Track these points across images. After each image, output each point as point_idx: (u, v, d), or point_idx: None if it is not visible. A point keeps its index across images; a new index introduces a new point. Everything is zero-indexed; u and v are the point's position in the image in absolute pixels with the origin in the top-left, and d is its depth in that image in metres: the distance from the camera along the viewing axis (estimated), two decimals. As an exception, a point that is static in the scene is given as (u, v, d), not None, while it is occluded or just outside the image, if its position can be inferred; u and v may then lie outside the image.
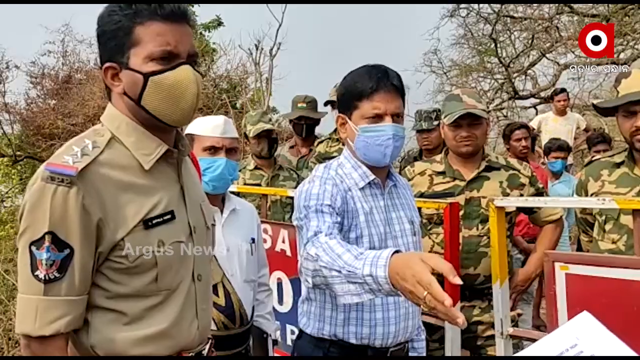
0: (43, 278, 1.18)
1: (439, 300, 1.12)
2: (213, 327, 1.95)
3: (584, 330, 0.98)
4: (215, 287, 2.00)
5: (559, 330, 1.07)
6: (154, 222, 1.28)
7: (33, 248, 1.18)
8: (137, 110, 1.31)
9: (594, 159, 2.46)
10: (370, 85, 1.70)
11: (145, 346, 1.28)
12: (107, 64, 1.30)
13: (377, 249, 1.65)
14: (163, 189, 1.33)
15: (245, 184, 3.52)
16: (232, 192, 2.80)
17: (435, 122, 3.61)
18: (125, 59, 1.28)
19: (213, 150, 2.07)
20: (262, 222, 2.85)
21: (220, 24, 12.80)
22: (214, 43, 12.62)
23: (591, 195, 2.25)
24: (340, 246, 1.43)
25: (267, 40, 11.74)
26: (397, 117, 1.73)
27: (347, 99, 1.75)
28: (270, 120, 3.90)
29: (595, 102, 2.43)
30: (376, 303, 1.70)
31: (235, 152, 2.15)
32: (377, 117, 1.70)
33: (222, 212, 2.13)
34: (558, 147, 4.82)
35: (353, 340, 1.71)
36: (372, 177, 1.76)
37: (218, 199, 2.13)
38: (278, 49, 11.97)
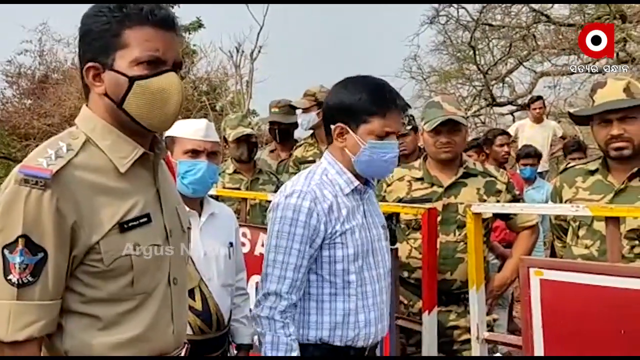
0: (16, 282, 1.16)
1: None
2: (189, 331, 1.94)
3: None
4: (192, 291, 1.98)
5: None
6: (129, 225, 1.27)
7: (6, 252, 1.16)
8: (116, 112, 1.29)
9: (568, 166, 2.50)
10: (386, 104, 1.75)
11: (120, 351, 1.26)
12: (90, 64, 1.28)
13: (360, 254, 1.74)
14: (139, 192, 1.32)
15: (224, 187, 3.50)
16: (211, 196, 2.81)
17: (408, 127, 3.64)
18: (110, 61, 1.27)
19: (194, 153, 2.06)
20: (241, 225, 2.85)
21: (200, 25, 12.76)
22: (194, 45, 12.56)
23: (565, 201, 2.29)
24: (287, 342, 1.66)
25: (247, 43, 11.72)
26: (397, 134, 1.81)
27: (353, 111, 1.75)
28: (249, 124, 3.89)
29: (571, 110, 2.46)
30: (359, 306, 1.74)
31: (216, 156, 2.14)
32: (384, 135, 1.75)
33: (200, 215, 2.11)
34: (526, 154, 4.88)
35: (337, 343, 1.74)
36: (357, 183, 1.78)
37: (196, 203, 2.12)
38: (259, 52, 11.96)
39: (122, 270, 1.25)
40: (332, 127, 1.79)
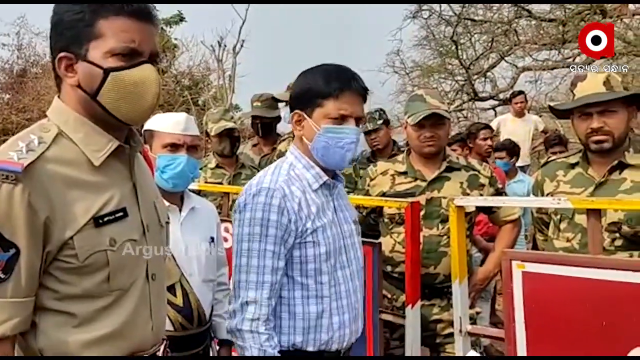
0: None
1: None
2: (170, 327, 1.92)
3: None
4: (172, 286, 1.96)
5: None
6: (105, 219, 1.23)
7: None
8: (90, 104, 1.26)
9: (550, 159, 2.51)
10: (339, 85, 1.65)
11: (96, 348, 1.23)
12: (62, 54, 1.24)
13: (332, 252, 1.65)
14: (114, 186, 1.28)
15: (206, 182, 3.47)
16: (193, 191, 2.77)
17: (380, 122, 3.64)
18: (84, 51, 1.23)
19: (174, 147, 2.03)
20: (224, 220, 2.82)
21: (182, 19, 12.64)
22: (175, 39, 12.46)
23: (547, 194, 2.30)
24: (274, 354, 1.56)
25: (230, 37, 11.66)
26: (359, 120, 1.70)
27: (309, 96, 1.67)
28: (232, 118, 3.86)
29: (552, 104, 2.47)
30: (332, 307, 1.65)
31: (197, 149, 2.11)
32: (341, 119, 1.65)
33: (180, 210, 2.08)
34: (496, 148, 4.91)
35: (310, 348, 1.64)
36: (325, 177, 1.69)
37: (177, 197, 2.09)
38: (241, 46, 11.91)
39: (97, 266, 1.22)
40: (290, 115, 1.71)
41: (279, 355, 1.58)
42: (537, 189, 2.39)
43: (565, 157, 2.39)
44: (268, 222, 1.58)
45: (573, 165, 2.28)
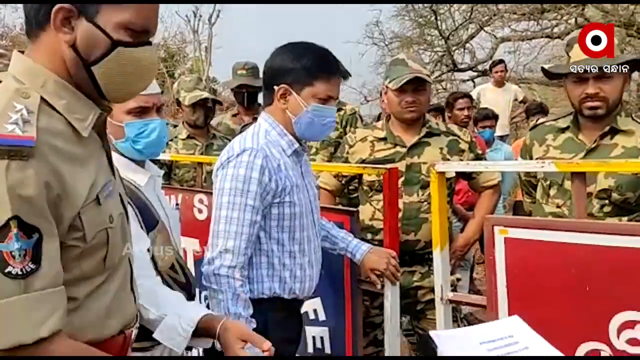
0: (20, 273, 0.97)
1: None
2: None
3: (517, 329, 1.11)
4: (172, 264, 1.78)
5: (492, 324, 1.19)
6: (103, 194, 1.11)
7: None
8: (77, 69, 1.10)
9: (538, 122, 2.44)
10: (332, 69, 1.83)
11: (91, 330, 1.12)
12: (65, 5, 1.05)
13: (304, 212, 1.84)
14: (97, 157, 1.15)
15: (177, 154, 3.36)
16: (164, 162, 2.66)
17: None
18: (92, 11, 1.06)
19: (141, 111, 1.73)
20: (198, 192, 2.74)
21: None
22: (148, 9, 12.13)
23: (536, 159, 2.23)
24: (245, 299, 1.76)
25: (205, 7, 11.39)
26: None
27: (301, 74, 1.80)
28: (205, 87, 3.72)
29: (545, 66, 2.38)
30: (304, 261, 1.86)
31: (162, 110, 1.92)
32: (326, 99, 1.82)
33: (151, 178, 1.94)
34: (484, 116, 4.86)
35: (286, 296, 1.84)
36: (297, 144, 1.86)
37: (142, 164, 1.88)
38: (217, 16, 11.65)
39: (98, 246, 1.11)
40: (276, 88, 1.82)
41: (248, 298, 1.76)
42: (526, 153, 2.32)
43: (554, 120, 2.32)
44: (250, 179, 1.73)
45: (563, 130, 2.21)
